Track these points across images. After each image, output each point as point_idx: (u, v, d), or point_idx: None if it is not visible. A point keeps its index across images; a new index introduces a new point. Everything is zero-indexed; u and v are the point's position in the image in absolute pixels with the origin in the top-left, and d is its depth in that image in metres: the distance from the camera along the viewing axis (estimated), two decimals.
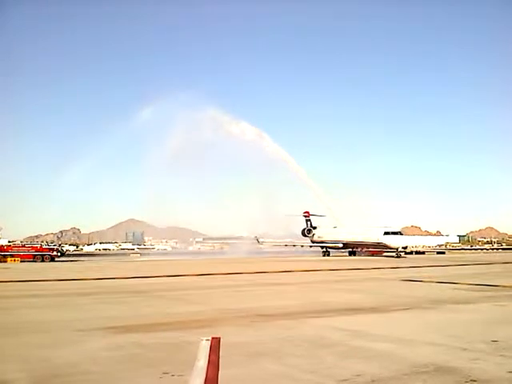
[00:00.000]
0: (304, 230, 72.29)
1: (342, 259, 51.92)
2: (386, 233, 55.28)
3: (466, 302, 12.56)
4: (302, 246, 74.06)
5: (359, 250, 64.59)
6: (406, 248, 56.40)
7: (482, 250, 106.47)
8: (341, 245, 63.66)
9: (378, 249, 59.17)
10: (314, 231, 71.16)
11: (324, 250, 65.90)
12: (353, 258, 59.04)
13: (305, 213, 72.69)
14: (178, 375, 5.58)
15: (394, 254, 56.81)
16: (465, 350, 6.80)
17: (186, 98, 78.12)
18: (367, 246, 61.00)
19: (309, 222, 72.62)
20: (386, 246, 55.65)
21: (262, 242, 77.30)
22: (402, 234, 57.03)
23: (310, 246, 71.26)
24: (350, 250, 65.07)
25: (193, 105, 75.14)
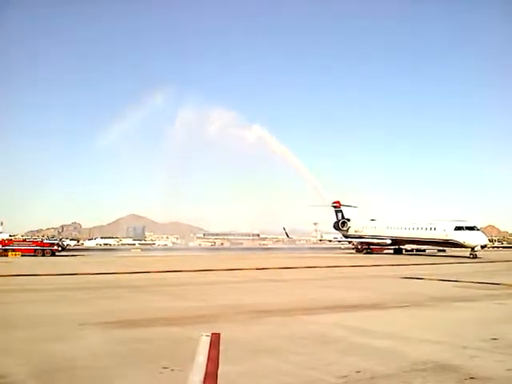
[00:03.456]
0: (337, 222, 62.05)
1: (388, 257, 45.51)
2: (459, 228, 44.25)
3: (467, 299, 12.56)
4: (340, 241, 66.99)
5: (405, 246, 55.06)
6: (484, 247, 44.98)
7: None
8: (389, 241, 52.69)
9: (444, 247, 50.20)
10: (349, 224, 60.66)
11: (365, 246, 56.11)
12: (400, 256, 49.91)
13: (334, 203, 63.00)
14: (178, 370, 5.59)
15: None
16: (465, 347, 6.80)
17: (190, 95, 77.97)
18: (430, 243, 50.22)
19: (340, 214, 62.46)
20: (457, 244, 44.80)
21: (291, 237, 68.94)
22: (478, 230, 44.99)
23: (349, 242, 62.10)
24: (397, 247, 54.63)
25: (197, 102, 74.93)
